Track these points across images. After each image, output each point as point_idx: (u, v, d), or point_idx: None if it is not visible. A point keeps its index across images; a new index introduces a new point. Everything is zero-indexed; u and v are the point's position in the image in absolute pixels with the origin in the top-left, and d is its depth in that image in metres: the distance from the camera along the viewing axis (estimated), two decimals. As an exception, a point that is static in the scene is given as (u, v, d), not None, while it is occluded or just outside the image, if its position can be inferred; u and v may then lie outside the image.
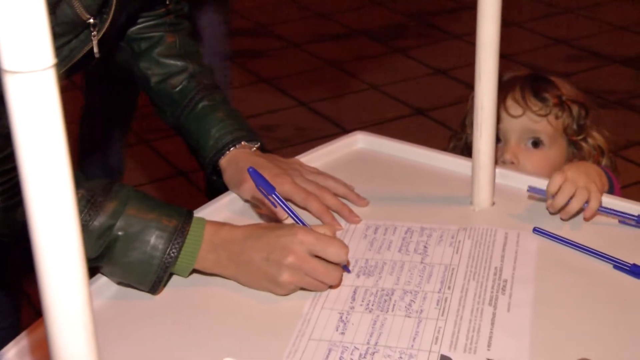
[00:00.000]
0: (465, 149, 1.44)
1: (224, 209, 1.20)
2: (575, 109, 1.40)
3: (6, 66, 0.54)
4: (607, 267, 1.04)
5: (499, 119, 1.41)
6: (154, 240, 1.00)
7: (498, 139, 1.42)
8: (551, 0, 4.26)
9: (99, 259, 1.01)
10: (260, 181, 1.04)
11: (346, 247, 1.01)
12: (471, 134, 1.43)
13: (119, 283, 1.04)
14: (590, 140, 1.41)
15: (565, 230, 1.12)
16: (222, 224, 1.05)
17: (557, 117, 1.39)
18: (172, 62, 1.27)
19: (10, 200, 0.97)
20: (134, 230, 0.99)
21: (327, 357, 0.93)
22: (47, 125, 0.56)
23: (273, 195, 1.04)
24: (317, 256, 1.00)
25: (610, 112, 3.06)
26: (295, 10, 4.26)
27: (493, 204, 1.20)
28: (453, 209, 1.19)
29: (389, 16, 4.17)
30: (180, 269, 1.03)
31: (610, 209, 1.13)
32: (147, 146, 3.06)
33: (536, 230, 1.12)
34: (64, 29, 1.02)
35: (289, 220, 1.15)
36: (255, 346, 0.95)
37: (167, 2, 1.26)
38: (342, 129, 3.03)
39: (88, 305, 0.61)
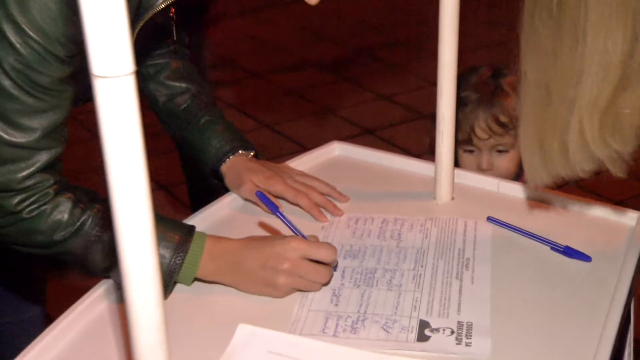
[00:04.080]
0: None
1: (225, 207, 1.27)
2: None
3: (96, 72, 0.59)
4: (546, 248, 1.14)
5: (472, 139, 1.61)
6: (161, 250, 1.02)
7: (472, 149, 1.62)
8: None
9: (110, 268, 1.02)
10: (266, 201, 1.11)
11: (334, 247, 1.05)
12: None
13: None
14: None
15: (513, 219, 1.20)
16: (220, 238, 1.07)
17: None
18: (177, 84, 1.33)
19: (34, 211, 0.98)
20: None
21: (326, 323, 0.99)
22: (129, 121, 0.61)
23: (277, 213, 1.08)
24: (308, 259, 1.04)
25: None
26: (255, 45, 4.33)
27: (453, 198, 1.28)
28: (420, 203, 1.27)
29: (337, 50, 4.27)
30: (183, 277, 1.05)
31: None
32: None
33: (490, 219, 1.21)
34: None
35: None
36: (263, 317, 1.01)
37: (174, 37, 1.31)
38: (302, 147, 3.10)
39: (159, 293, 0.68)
